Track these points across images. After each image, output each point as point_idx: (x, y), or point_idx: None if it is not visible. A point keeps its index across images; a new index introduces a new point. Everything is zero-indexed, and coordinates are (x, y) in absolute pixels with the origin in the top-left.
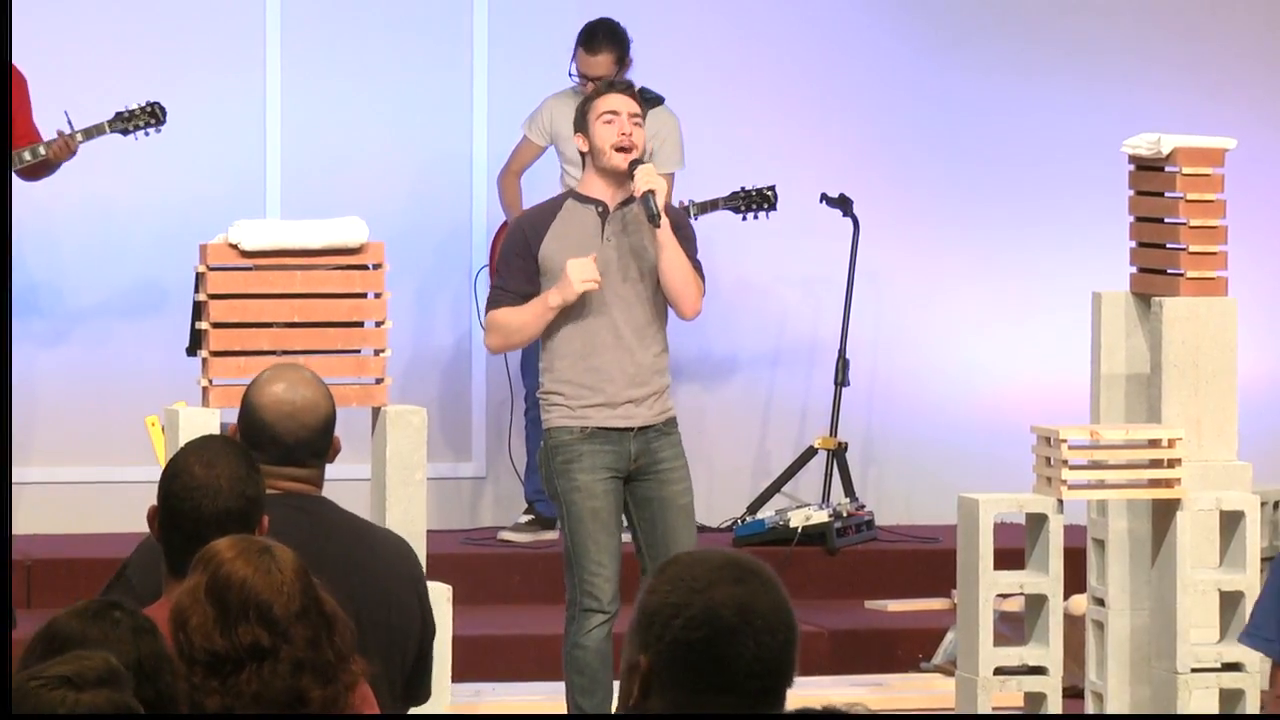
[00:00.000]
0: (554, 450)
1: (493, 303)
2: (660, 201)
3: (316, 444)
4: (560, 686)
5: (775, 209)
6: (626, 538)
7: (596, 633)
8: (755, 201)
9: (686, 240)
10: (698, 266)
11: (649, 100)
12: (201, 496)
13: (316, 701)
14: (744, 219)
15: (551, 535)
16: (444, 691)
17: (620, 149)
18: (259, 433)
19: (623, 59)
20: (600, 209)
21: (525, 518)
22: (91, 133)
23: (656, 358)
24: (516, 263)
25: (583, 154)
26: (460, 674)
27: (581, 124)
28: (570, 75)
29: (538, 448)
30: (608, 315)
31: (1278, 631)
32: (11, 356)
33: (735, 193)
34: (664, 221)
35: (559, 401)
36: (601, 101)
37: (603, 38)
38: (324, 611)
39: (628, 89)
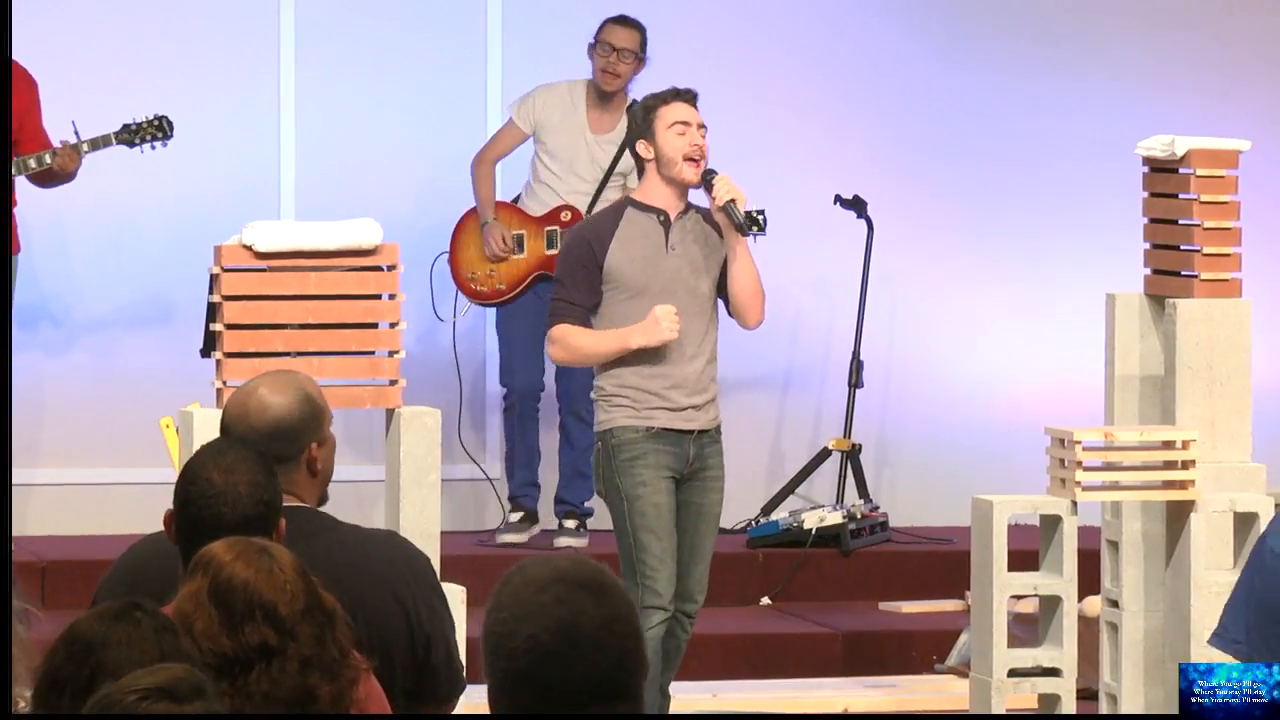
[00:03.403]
0: (617, 449)
1: (558, 315)
2: (741, 210)
3: (268, 447)
4: None
5: (764, 232)
6: None
7: (655, 631)
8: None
9: None
10: None
11: None
12: (221, 504)
13: (325, 698)
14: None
15: (571, 540)
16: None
17: (690, 159)
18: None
19: (644, 50)
20: (662, 218)
21: (515, 515)
22: (98, 144)
23: (710, 365)
24: (581, 274)
25: (645, 160)
26: (475, 674)
27: (646, 130)
28: (591, 43)
29: (517, 445)
30: None
31: (1245, 633)
32: (11, 356)
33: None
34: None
35: (625, 404)
36: (669, 110)
37: (634, 21)
38: (325, 608)
39: (694, 98)
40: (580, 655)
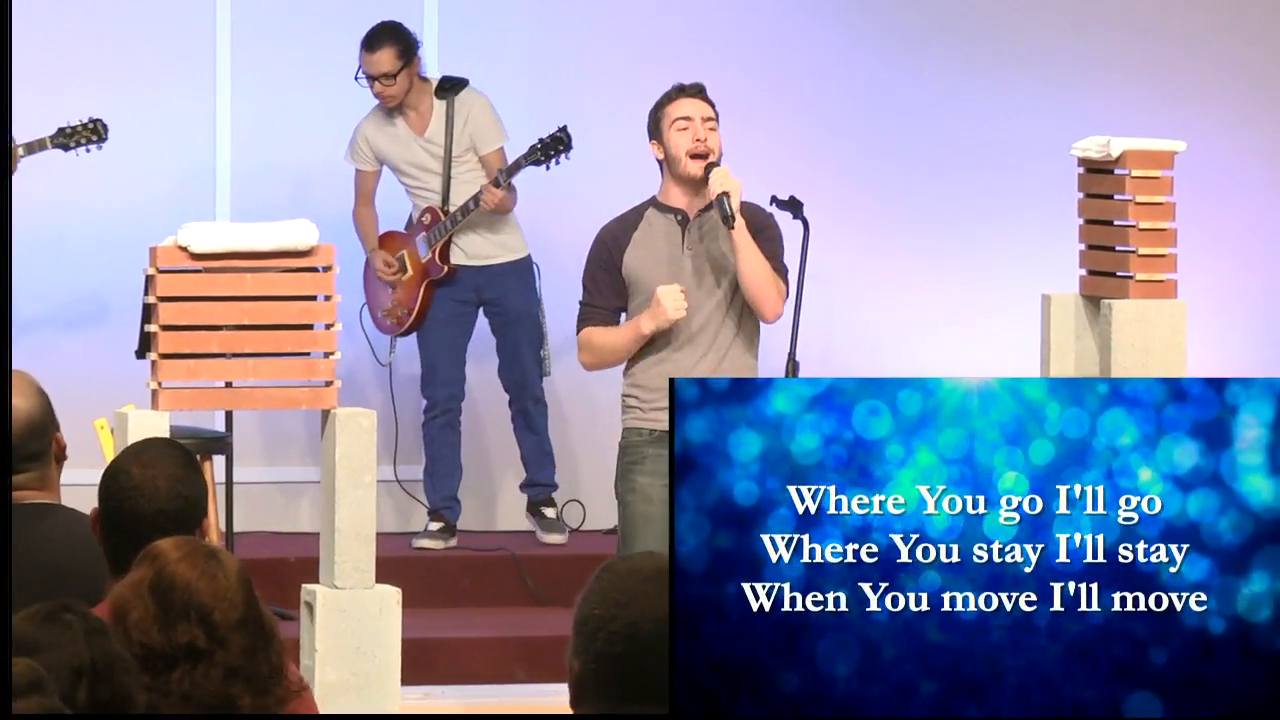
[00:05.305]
0: (623, 450)
1: (583, 319)
2: (735, 203)
3: (22, 449)
4: (513, 689)
5: (571, 148)
6: None
7: None
8: (551, 149)
9: (770, 241)
10: (782, 269)
11: (453, 85)
12: (139, 496)
13: (247, 710)
14: (548, 169)
15: (553, 535)
16: (393, 694)
17: (695, 155)
18: None
19: (407, 54)
20: (680, 218)
21: (435, 525)
22: (33, 148)
23: (728, 363)
24: (603, 277)
25: (659, 161)
26: (409, 677)
27: (655, 131)
28: (356, 79)
29: (439, 455)
30: (686, 322)
31: None
32: (11, 355)
33: (533, 146)
34: (739, 223)
35: (633, 404)
36: (673, 108)
37: (381, 34)
38: (263, 624)
39: (699, 92)
40: None
